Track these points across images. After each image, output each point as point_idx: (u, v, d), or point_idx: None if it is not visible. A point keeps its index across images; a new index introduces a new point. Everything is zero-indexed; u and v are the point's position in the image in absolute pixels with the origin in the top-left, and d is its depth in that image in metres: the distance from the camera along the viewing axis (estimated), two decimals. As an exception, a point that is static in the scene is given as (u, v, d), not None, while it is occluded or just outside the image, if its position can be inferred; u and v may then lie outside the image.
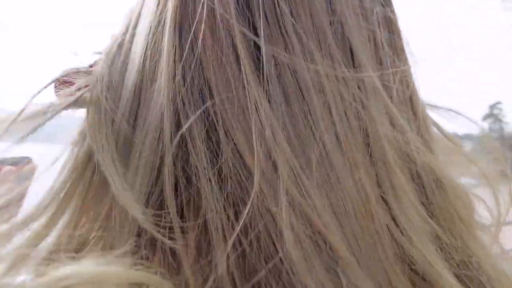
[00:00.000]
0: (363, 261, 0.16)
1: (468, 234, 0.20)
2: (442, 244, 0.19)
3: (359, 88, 0.19)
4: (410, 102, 0.22)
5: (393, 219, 0.18)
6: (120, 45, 0.24)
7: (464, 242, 0.19)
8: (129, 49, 0.23)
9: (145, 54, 0.22)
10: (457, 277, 0.18)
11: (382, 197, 0.18)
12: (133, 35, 0.23)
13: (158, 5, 0.22)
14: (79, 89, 0.23)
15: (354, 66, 0.20)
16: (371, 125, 0.19)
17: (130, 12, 0.25)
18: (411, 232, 0.17)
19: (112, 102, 0.21)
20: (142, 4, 0.24)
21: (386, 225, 0.18)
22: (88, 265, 0.16)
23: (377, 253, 0.17)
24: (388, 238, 0.17)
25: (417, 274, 0.17)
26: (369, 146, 0.19)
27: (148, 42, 0.22)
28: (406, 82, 0.22)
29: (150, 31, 0.22)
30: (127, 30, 0.24)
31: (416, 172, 0.19)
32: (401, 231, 0.18)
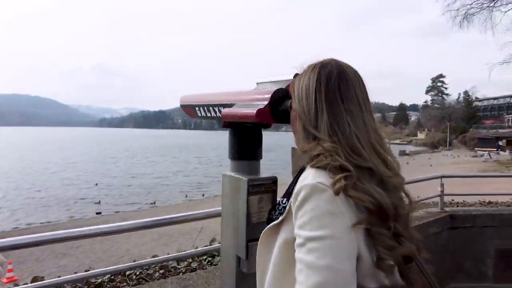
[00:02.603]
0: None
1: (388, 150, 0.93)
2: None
3: (370, 118, 0.92)
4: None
5: (380, 145, 0.90)
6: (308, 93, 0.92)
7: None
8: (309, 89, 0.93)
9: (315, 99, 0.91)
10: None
11: (376, 139, 0.90)
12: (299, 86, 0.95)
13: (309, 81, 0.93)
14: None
15: (367, 111, 0.93)
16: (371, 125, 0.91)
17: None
18: (384, 146, 0.91)
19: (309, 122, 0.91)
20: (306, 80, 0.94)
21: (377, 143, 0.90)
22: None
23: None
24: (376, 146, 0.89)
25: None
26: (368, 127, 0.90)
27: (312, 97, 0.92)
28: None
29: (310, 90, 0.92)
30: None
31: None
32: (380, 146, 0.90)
